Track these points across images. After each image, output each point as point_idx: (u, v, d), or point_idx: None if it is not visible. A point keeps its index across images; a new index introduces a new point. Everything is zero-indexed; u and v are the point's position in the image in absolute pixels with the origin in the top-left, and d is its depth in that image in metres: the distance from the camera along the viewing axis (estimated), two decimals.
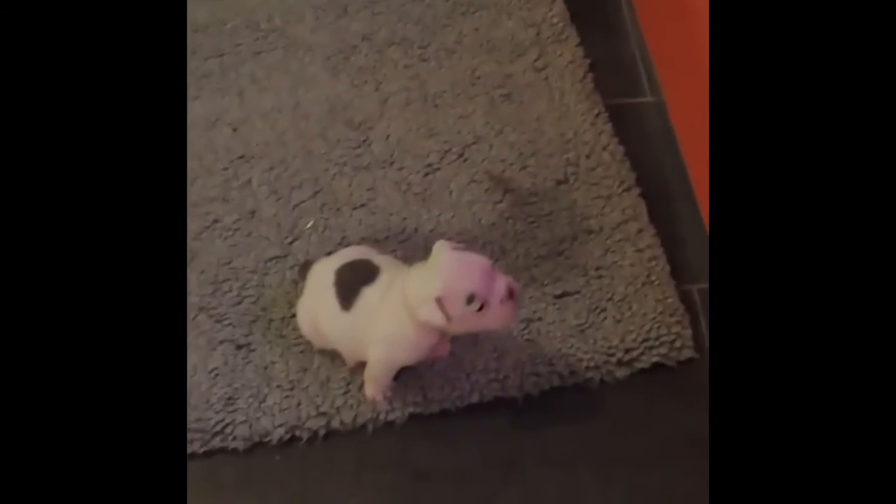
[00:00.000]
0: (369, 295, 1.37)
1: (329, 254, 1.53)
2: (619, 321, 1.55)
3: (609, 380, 1.51)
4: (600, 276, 1.60)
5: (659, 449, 1.46)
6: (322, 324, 1.44)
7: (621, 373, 1.51)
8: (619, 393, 1.51)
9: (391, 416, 1.47)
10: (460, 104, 1.83)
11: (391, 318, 1.34)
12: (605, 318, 1.55)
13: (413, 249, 1.63)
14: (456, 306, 1.27)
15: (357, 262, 1.43)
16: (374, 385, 1.46)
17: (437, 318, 1.26)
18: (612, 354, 1.52)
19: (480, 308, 1.27)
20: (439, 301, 1.26)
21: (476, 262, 1.29)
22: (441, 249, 1.31)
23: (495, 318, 1.29)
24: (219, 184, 1.73)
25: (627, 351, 1.52)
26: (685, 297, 1.59)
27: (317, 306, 1.43)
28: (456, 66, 1.88)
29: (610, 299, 1.57)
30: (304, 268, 1.53)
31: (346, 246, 1.62)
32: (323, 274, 1.44)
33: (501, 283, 1.28)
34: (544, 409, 1.49)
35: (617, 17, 1.98)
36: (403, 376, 1.49)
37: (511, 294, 1.29)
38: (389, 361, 1.41)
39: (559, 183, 1.71)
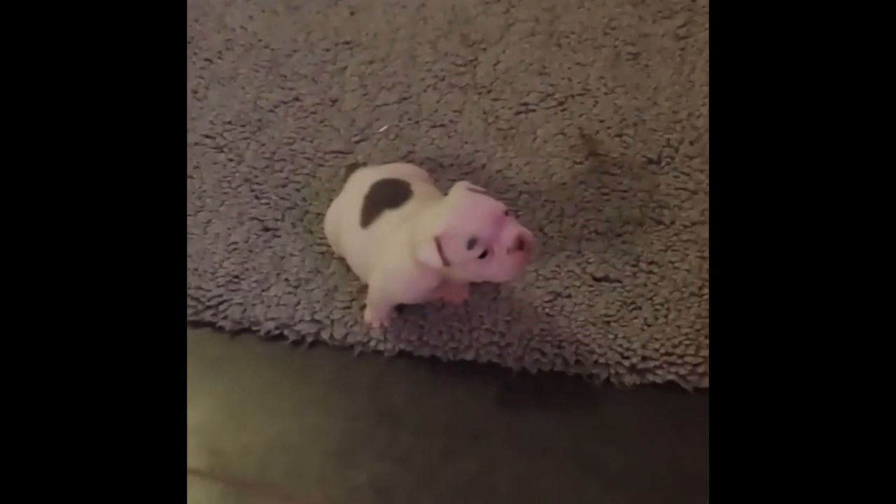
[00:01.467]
0: (388, 218, 1.30)
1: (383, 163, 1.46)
2: (649, 325, 1.40)
3: (615, 382, 1.37)
4: (649, 272, 1.45)
5: (640, 472, 1.31)
6: (341, 232, 1.38)
7: (630, 379, 1.37)
8: (620, 399, 1.37)
9: (381, 346, 1.40)
10: (583, 50, 1.69)
11: (396, 250, 1.26)
12: (635, 317, 1.41)
13: (473, 184, 1.52)
14: (456, 249, 1.18)
15: (394, 182, 1.35)
16: (372, 311, 1.40)
17: (433, 259, 1.18)
18: (627, 357, 1.38)
19: (484, 255, 1.17)
20: (438, 241, 1.17)
21: (486, 205, 1.19)
22: (458, 188, 1.22)
23: (499, 267, 1.19)
24: (315, 63, 1.70)
25: (644, 359, 1.38)
26: None
27: (343, 213, 1.37)
28: (596, 9, 1.74)
29: (649, 299, 1.42)
30: (351, 169, 1.46)
31: (409, 159, 1.55)
32: (361, 182, 1.37)
33: (511, 231, 1.18)
34: (535, 390, 1.38)
35: None
36: (406, 312, 1.41)
37: (521, 244, 1.18)
38: (386, 293, 1.33)
39: (649, 162, 1.56)
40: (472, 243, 1.17)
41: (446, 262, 1.18)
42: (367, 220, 1.32)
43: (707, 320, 1.40)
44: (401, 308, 1.40)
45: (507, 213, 1.20)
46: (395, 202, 1.32)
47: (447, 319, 1.41)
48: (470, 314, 1.42)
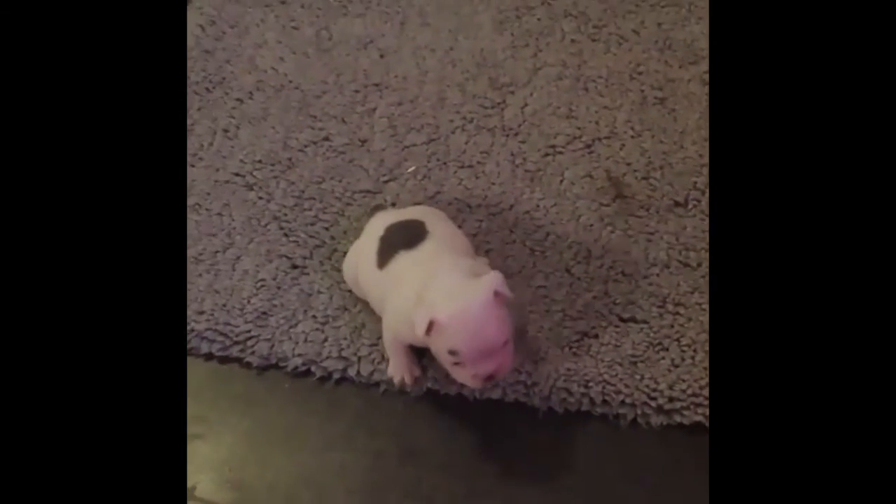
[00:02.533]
0: (402, 259, 1.30)
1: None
2: (676, 366, 1.38)
3: (641, 422, 1.35)
4: (676, 314, 1.43)
5: None
6: (360, 275, 1.38)
7: (657, 420, 1.35)
8: (647, 440, 1.35)
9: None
10: (610, 94, 1.69)
11: (405, 292, 1.26)
12: (662, 358, 1.39)
13: (500, 226, 1.52)
14: (439, 343, 1.21)
15: (409, 223, 1.35)
16: (391, 359, 1.38)
17: (419, 328, 1.20)
18: (654, 398, 1.36)
19: (456, 363, 1.22)
20: (432, 324, 1.19)
21: (490, 332, 1.21)
22: (489, 283, 1.21)
23: (463, 379, 1.26)
24: (344, 104, 1.70)
25: (672, 399, 1.36)
26: None
27: (361, 256, 1.37)
28: (623, 55, 1.75)
29: (676, 340, 1.41)
30: (376, 210, 1.47)
31: (437, 200, 1.54)
32: (377, 225, 1.38)
33: (491, 366, 1.23)
34: (561, 430, 1.36)
35: None
36: (427, 360, 1.40)
37: (490, 377, 1.24)
38: (394, 332, 1.33)
39: (676, 205, 1.55)
40: (453, 352, 1.20)
41: (426, 336, 1.20)
42: (384, 261, 1.33)
43: None
44: (421, 355, 1.39)
45: (506, 343, 1.23)
46: (411, 243, 1.32)
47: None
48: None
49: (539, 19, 1.79)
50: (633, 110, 1.67)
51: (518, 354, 1.37)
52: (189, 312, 1.45)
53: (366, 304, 1.44)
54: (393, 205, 1.52)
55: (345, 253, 1.48)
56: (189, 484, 1.32)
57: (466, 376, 1.23)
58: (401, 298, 1.27)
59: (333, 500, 1.31)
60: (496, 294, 1.20)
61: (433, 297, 1.21)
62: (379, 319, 1.41)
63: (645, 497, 1.30)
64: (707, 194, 1.55)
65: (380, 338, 1.41)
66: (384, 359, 1.40)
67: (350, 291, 1.46)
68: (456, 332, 1.19)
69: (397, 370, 1.37)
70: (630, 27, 1.77)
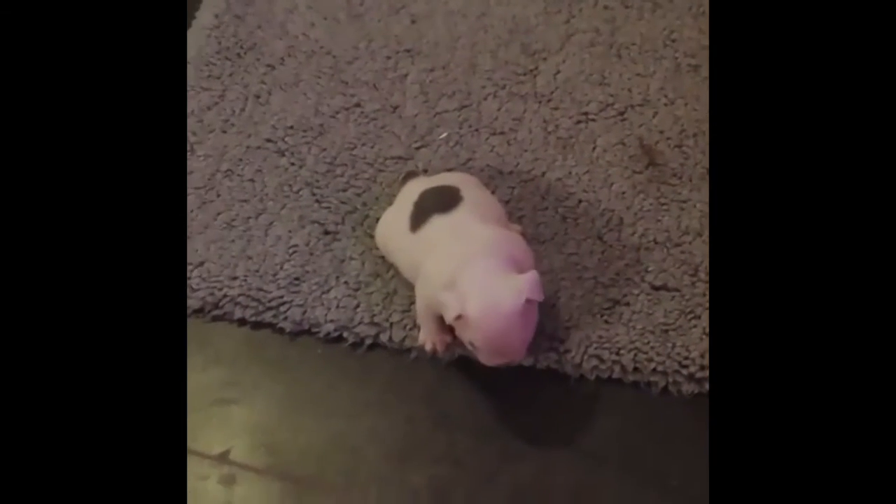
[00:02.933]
0: (436, 223, 1.30)
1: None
2: (707, 334, 1.38)
3: (672, 391, 1.35)
4: (708, 282, 1.42)
5: (699, 484, 1.28)
6: (391, 240, 1.38)
7: (688, 388, 1.34)
8: (677, 408, 1.34)
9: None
10: (643, 61, 1.67)
11: (439, 265, 1.26)
12: (694, 326, 1.38)
13: (532, 193, 1.51)
14: (463, 332, 1.23)
15: (443, 188, 1.35)
16: (422, 326, 1.38)
17: (448, 314, 1.22)
18: (686, 366, 1.35)
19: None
20: (459, 317, 1.20)
21: (512, 341, 1.23)
22: (526, 284, 1.21)
23: (476, 357, 1.26)
24: (376, 70, 1.69)
25: (703, 368, 1.35)
26: None
27: (393, 221, 1.38)
28: (656, 21, 1.72)
29: (708, 309, 1.40)
30: (408, 176, 1.46)
31: (469, 167, 1.54)
32: (411, 191, 1.38)
33: (504, 361, 1.25)
34: (593, 397, 1.36)
35: None
36: None
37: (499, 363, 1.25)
38: (425, 301, 1.32)
39: (708, 172, 1.53)
40: (472, 344, 1.23)
41: (450, 320, 1.22)
42: (417, 224, 1.32)
43: None
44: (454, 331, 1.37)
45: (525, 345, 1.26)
46: (445, 208, 1.32)
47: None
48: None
49: None
50: (666, 78, 1.65)
51: (550, 323, 1.38)
52: (222, 278, 1.45)
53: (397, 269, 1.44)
54: (425, 171, 1.51)
55: (377, 219, 1.48)
56: (223, 448, 1.33)
57: (481, 356, 1.24)
58: (435, 270, 1.27)
59: (366, 465, 1.31)
60: (527, 301, 1.21)
61: (466, 288, 1.20)
62: (410, 286, 1.41)
63: (675, 464, 1.30)
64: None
65: (412, 304, 1.40)
66: (416, 325, 1.40)
67: (382, 258, 1.45)
68: (480, 331, 1.20)
69: (428, 337, 1.37)
70: None
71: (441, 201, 1.32)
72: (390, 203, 1.45)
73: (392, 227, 1.38)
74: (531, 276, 1.22)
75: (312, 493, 1.30)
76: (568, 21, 1.73)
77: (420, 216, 1.32)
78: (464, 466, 1.31)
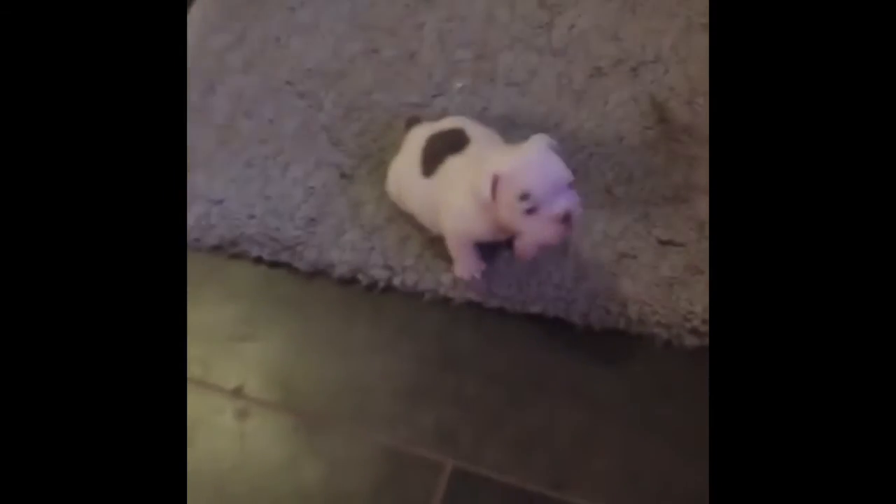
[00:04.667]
0: (452, 163, 1.25)
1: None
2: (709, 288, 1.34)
3: (675, 343, 1.31)
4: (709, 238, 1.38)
5: (698, 431, 1.26)
6: (404, 188, 1.33)
7: (690, 341, 1.30)
8: (678, 360, 1.30)
9: (451, 294, 1.35)
10: (657, 18, 1.61)
11: (461, 190, 1.21)
12: (699, 281, 1.34)
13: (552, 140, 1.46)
14: (508, 194, 1.14)
15: (450, 131, 1.30)
16: (457, 261, 1.34)
17: (484, 192, 1.14)
18: (689, 320, 1.31)
19: (529, 211, 1.13)
20: (495, 178, 1.13)
21: (554, 170, 1.15)
22: (537, 140, 1.18)
23: (539, 230, 1.16)
24: (395, 16, 1.63)
25: (705, 322, 1.31)
26: None
27: (404, 169, 1.32)
28: None
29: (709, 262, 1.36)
30: (411, 123, 1.41)
31: (483, 116, 1.48)
32: (416, 139, 1.32)
33: (563, 202, 1.14)
34: (598, 346, 1.32)
35: None
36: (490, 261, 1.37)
37: (566, 218, 1.14)
38: (457, 232, 1.28)
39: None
40: (524, 196, 1.13)
41: (493, 199, 1.15)
42: (430, 168, 1.28)
43: None
44: (487, 255, 1.34)
45: (571, 184, 1.15)
46: (456, 148, 1.27)
47: (515, 273, 1.35)
48: (538, 269, 1.35)
49: None
50: (679, 36, 1.58)
51: (558, 273, 1.34)
52: (240, 216, 1.41)
53: (411, 216, 1.39)
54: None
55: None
56: (238, 382, 1.30)
57: (543, 225, 1.15)
58: (459, 196, 1.22)
59: (377, 402, 1.28)
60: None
61: (489, 165, 1.16)
62: (423, 231, 1.37)
63: (675, 414, 1.26)
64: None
65: (425, 249, 1.37)
66: (427, 269, 1.36)
67: (395, 204, 1.41)
68: (523, 174, 1.14)
69: (465, 268, 1.33)
70: None
71: (451, 143, 1.28)
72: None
73: (403, 175, 1.33)
74: (539, 135, 1.21)
75: (323, 429, 1.27)
76: None
77: (433, 160, 1.27)
78: (470, 409, 1.28)
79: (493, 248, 1.35)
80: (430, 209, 1.30)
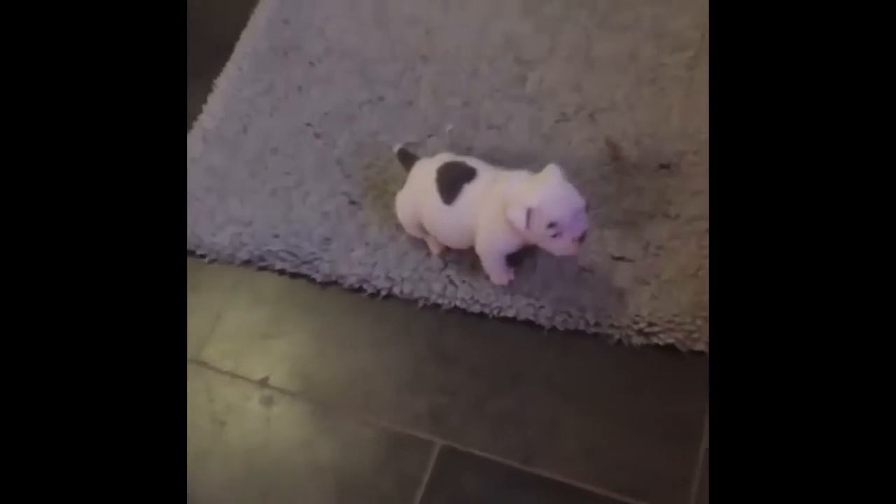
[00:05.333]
0: (469, 191, 1.26)
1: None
2: (655, 297, 1.34)
3: (625, 342, 1.31)
4: (657, 255, 1.38)
5: (639, 413, 1.26)
6: (424, 216, 1.32)
7: (637, 340, 1.31)
8: (628, 356, 1.31)
9: (440, 301, 1.35)
10: (611, 73, 1.61)
11: (489, 214, 1.23)
12: (645, 291, 1.35)
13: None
14: (539, 224, 1.17)
15: (453, 164, 1.30)
16: (492, 273, 1.34)
17: (519, 222, 1.17)
18: (637, 323, 1.32)
19: (555, 235, 1.17)
20: (530, 212, 1.15)
21: (573, 200, 1.18)
22: (553, 171, 1.19)
23: (561, 248, 1.22)
24: (397, 70, 1.63)
25: (651, 324, 1.32)
26: None
27: (420, 200, 1.31)
28: (623, 40, 1.65)
29: (657, 277, 1.36)
30: (402, 154, 1.40)
31: (468, 154, 1.48)
32: (425, 172, 1.32)
33: (581, 226, 1.20)
34: (562, 344, 1.33)
35: None
36: (462, 274, 1.37)
37: (582, 237, 1.19)
38: (493, 246, 1.28)
39: (661, 167, 1.48)
40: (552, 224, 1.16)
41: (527, 228, 1.17)
42: (450, 197, 1.27)
43: (703, 297, 1.34)
44: (514, 262, 1.35)
45: (586, 207, 1.20)
46: (468, 177, 1.27)
47: (495, 285, 1.36)
48: (512, 281, 1.36)
49: (557, 7, 1.69)
50: (629, 88, 1.58)
51: (527, 284, 1.35)
52: (267, 236, 1.42)
53: (412, 236, 1.39)
54: (412, 154, 1.46)
55: (394, 193, 1.43)
56: (264, 374, 1.31)
57: (565, 244, 1.21)
58: (488, 220, 1.23)
59: (381, 391, 1.29)
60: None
61: (518, 195, 1.18)
62: (419, 248, 1.38)
63: (625, 399, 1.27)
64: (686, 160, 1.48)
65: (421, 263, 1.38)
66: (421, 280, 1.37)
67: (397, 225, 1.41)
68: (551, 207, 1.17)
69: (501, 277, 1.34)
70: (630, 18, 1.67)
71: (461, 173, 1.28)
72: (404, 182, 1.40)
73: (423, 205, 1.31)
74: (552, 165, 1.21)
75: (336, 415, 1.28)
76: (553, 37, 1.66)
77: (450, 190, 1.27)
78: (457, 396, 1.29)
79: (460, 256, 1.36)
80: (455, 231, 1.30)
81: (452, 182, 1.28)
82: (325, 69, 1.64)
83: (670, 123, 1.54)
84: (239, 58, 1.65)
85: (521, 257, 1.36)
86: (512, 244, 1.27)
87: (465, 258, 1.38)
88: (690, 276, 1.37)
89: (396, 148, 1.42)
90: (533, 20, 1.68)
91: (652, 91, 1.58)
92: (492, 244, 1.28)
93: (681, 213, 1.43)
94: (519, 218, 1.18)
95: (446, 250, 1.38)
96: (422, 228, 1.36)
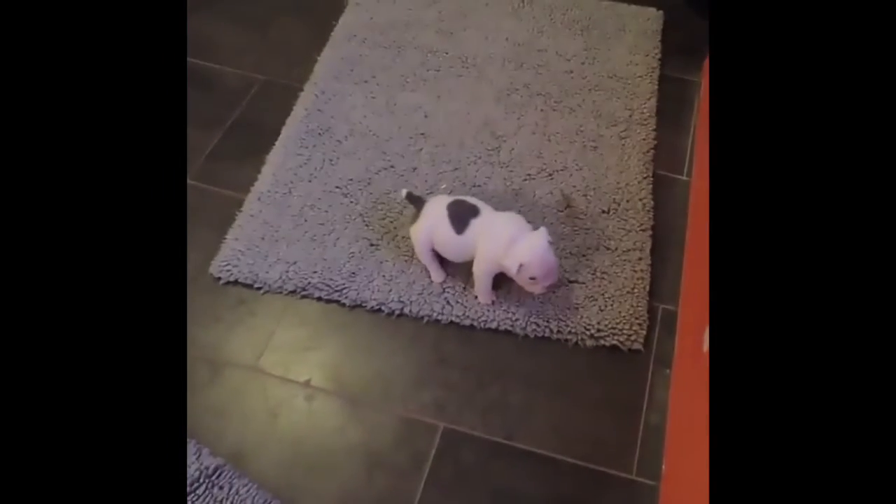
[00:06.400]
0: (475, 225, 1.27)
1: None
2: (602, 310, 1.33)
3: (581, 345, 1.31)
4: (602, 278, 1.37)
5: (593, 398, 1.25)
6: (437, 242, 1.32)
7: (590, 343, 1.30)
8: (583, 355, 1.30)
9: (439, 318, 1.33)
10: (563, 143, 1.61)
11: (493, 244, 1.25)
12: (594, 305, 1.34)
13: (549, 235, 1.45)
14: (524, 274, 1.21)
15: (460, 201, 1.31)
16: (481, 294, 1.33)
17: (512, 270, 1.21)
18: (588, 329, 1.31)
19: (532, 279, 1.22)
20: (520, 265, 1.19)
21: (550, 260, 1.23)
22: (542, 234, 1.23)
23: (533, 288, 1.27)
24: (404, 145, 1.62)
25: (599, 330, 1.31)
26: (651, 310, 1.35)
27: (434, 230, 1.31)
28: (572, 119, 1.66)
29: (602, 294, 1.35)
30: (410, 196, 1.39)
31: None
32: (436, 209, 1.32)
33: (551, 279, 1.25)
34: (533, 347, 1.31)
35: (687, 119, 1.68)
36: (453, 297, 1.34)
37: (551, 286, 1.27)
38: (486, 270, 1.29)
39: (603, 212, 1.48)
40: (532, 277, 1.20)
41: (517, 272, 1.21)
42: (461, 229, 1.28)
43: (639, 309, 1.33)
44: (496, 287, 1.34)
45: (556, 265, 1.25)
46: (475, 213, 1.28)
47: (480, 304, 1.34)
48: (495, 301, 1.34)
49: (521, 96, 1.70)
50: (577, 153, 1.59)
51: (506, 302, 1.33)
52: (307, 272, 1.39)
53: (417, 269, 1.38)
54: (419, 197, 1.44)
55: (403, 237, 1.42)
56: (307, 377, 1.28)
57: (536, 287, 1.25)
58: (490, 249, 1.25)
59: (395, 389, 1.27)
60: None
61: (513, 252, 1.21)
62: (423, 278, 1.36)
63: (583, 387, 1.26)
64: (621, 206, 1.48)
65: (425, 289, 1.35)
66: (426, 302, 1.34)
67: (406, 261, 1.39)
68: (535, 265, 1.20)
69: (486, 296, 1.33)
70: (577, 102, 1.68)
71: (468, 210, 1.29)
72: (412, 223, 1.38)
73: (438, 234, 1.31)
74: (543, 229, 1.23)
75: (362, 407, 1.25)
76: (519, 118, 1.67)
77: (460, 223, 1.28)
78: (454, 389, 1.26)
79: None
80: (462, 253, 1.31)
81: (462, 217, 1.28)
82: (350, 146, 1.64)
83: (608, 179, 1.54)
84: (285, 139, 1.64)
85: (501, 283, 1.34)
86: (501, 269, 1.26)
87: (457, 283, 1.36)
88: (628, 293, 1.36)
89: (404, 193, 1.39)
90: (504, 106, 1.69)
91: (594, 156, 1.59)
92: (487, 267, 1.28)
93: (618, 247, 1.43)
94: (512, 267, 1.21)
95: (445, 279, 1.36)
96: (431, 252, 1.34)
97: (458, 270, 1.37)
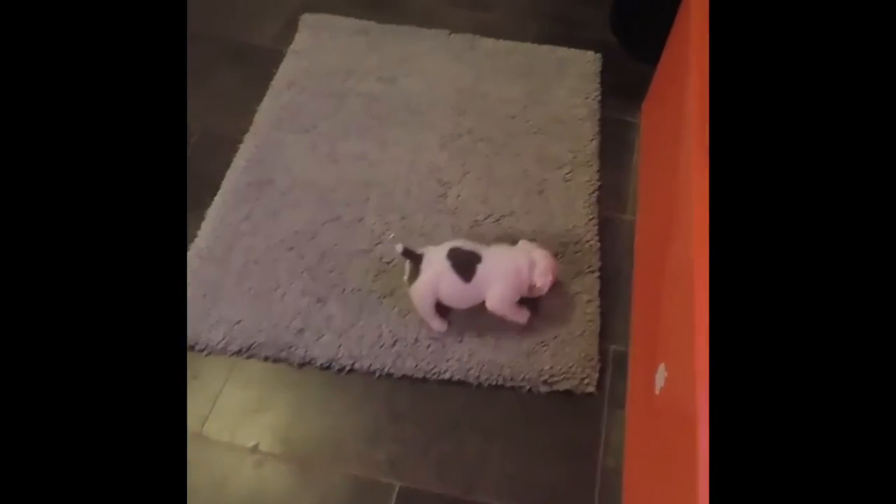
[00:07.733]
0: (483, 269, 1.33)
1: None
2: (554, 355, 1.39)
3: (534, 391, 1.36)
4: (553, 323, 1.44)
5: (548, 443, 1.30)
6: (443, 293, 1.34)
7: (543, 389, 1.36)
8: (537, 401, 1.35)
9: (392, 372, 1.37)
10: (509, 188, 1.69)
11: (507, 284, 1.35)
12: (546, 350, 1.40)
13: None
14: (539, 282, 1.36)
15: (457, 249, 1.35)
16: (518, 315, 1.40)
17: (545, 283, 1.36)
18: (541, 375, 1.36)
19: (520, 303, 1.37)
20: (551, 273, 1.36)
21: (555, 265, 1.40)
22: (529, 244, 1.41)
23: (520, 318, 1.39)
24: (349, 194, 1.66)
25: (552, 376, 1.36)
26: (602, 352, 1.41)
27: (439, 283, 1.33)
28: (516, 163, 1.74)
29: (554, 338, 1.41)
30: (406, 252, 1.36)
31: None
32: (438, 257, 1.34)
33: (525, 318, 1.38)
34: (486, 395, 1.36)
35: (628, 159, 1.78)
36: (403, 352, 1.38)
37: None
38: (505, 304, 1.37)
39: (552, 254, 1.55)
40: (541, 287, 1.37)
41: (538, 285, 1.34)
42: (468, 277, 1.32)
43: (590, 351, 1.39)
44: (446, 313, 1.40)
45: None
46: (478, 259, 1.33)
47: (431, 354, 1.38)
48: (447, 350, 1.39)
49: (466, 142, 1.77)
50: (522, 198, 1.66)
51: (457, 352, 1.37)
52: (252, 331, 1.41)
53: (369, 320, 1.41)
54: (388, 263, 1.51)
55: (352, 290, 1.46)
56: (254, 442, 1.28)
57: (521, 314, 1.39)
58: (513, 284, 1.34)
59: (348, 446, 1.29)
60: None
61: (541, 267, 1.36)
62: (374, 332, 1.39)
63: (538, 434, 1.31)
64: (569, 249, 1.56)
65: (375, 343, 1.39)
66: (377, 356, 1.38)
67: (357, 315, 1.42)
68: (555, 265, 1.40)
69: (521, 315, 1.40)
70: (520, 146, 1.77)
71: (471, 255, 1.34)
72: (360, 278, 1.42)
73: (444, 286, 1.33)
74: (523, 241, 1.42)
75: (314, 470, 1.26)
76: (463, 164, 1.73)
77: (467, 271, 1.32)
78: (408, 444, 1.29)
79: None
80: (472, 300, 1.36)
81: (467, 265, 1.32)
82: (292, 197, 1.67)
83: (555, 222, 1.62)
84: (224, 192, 1.66)
85: (454, 329, 1.39)
86: (516, 296, 1.36)
87: (410, 335, 1.40)
88: (578, 336, 1.42)
89: (400, 248, 1.36)
90: (448, 152, 1.76)
91: (540, 199, 1.67)
92: (502, 302, 1.35)
93: (568, 291, 1.49)
94: (545, 282, 1.35)
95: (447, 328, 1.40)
96: (437, 305, 1.36)
97: (410, 321, 1.41)
